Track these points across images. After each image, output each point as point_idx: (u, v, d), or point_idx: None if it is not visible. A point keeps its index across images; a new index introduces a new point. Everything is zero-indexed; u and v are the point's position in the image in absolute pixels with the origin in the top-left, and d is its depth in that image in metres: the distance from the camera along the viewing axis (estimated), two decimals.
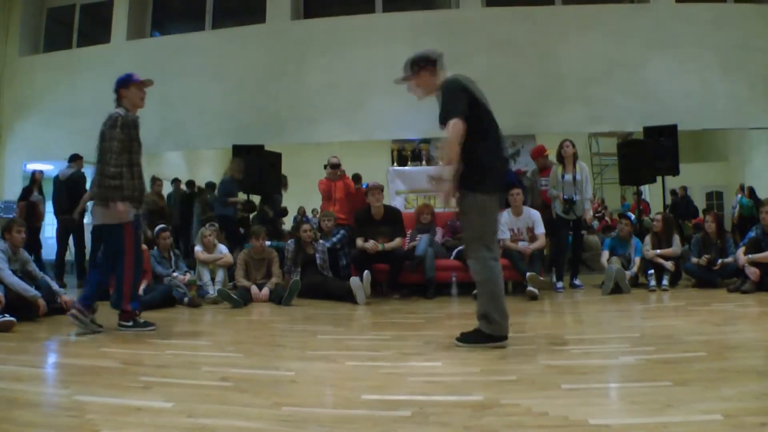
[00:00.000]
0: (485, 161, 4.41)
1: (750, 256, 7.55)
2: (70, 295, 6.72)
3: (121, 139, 5.28)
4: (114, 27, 13.56)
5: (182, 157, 17.71)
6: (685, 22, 11.94)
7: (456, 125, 4.25)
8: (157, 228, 8.22)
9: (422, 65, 4.75)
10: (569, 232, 8.56)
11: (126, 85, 5.47)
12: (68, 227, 9.99)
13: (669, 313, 6.21)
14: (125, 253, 5.38)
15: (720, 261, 8.10)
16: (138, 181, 5.42)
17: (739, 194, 15.91)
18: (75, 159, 10.11)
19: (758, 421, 2.54)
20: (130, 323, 5.42)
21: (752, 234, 7.90)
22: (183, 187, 13.60)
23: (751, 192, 15.59)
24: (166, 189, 13.52)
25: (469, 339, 4.46)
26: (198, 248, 8.18)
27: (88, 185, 9.70)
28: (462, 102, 4.41)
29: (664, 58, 11.72)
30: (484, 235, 4.44)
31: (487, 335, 4.39)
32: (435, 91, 4.69)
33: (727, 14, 12.33)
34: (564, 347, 4.41)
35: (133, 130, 5.37)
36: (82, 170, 10.14)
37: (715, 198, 19.39)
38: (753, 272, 7.37)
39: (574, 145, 8.51)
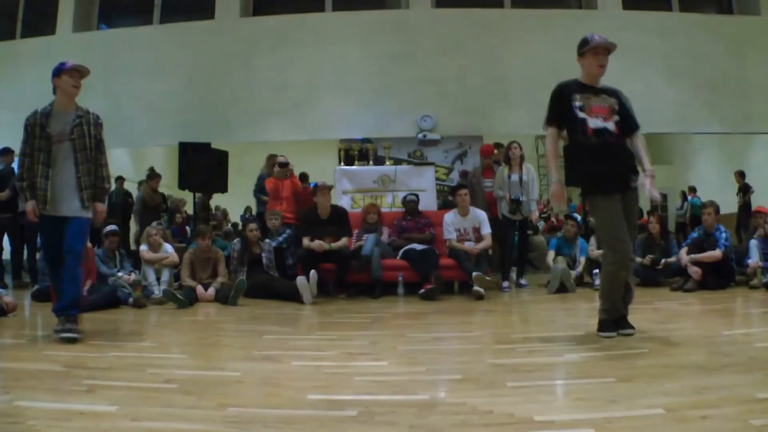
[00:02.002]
0: None
1: (692, 256, 7.82)
2: (11, 296, 6.58)
3: (24, 140, 5.04)
4: (60, 18, 13.14)
5: (128, 154, 17.42)
6: (631, 29, 12.17)
7: None
8: (107, 230, 8.07)
9: None
10: (515, 232, 8.69)
11: (58, 74, 5.12)
12: (2, 225, 9.72)
13: None
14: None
15: (663, 261, 8.36)
16: (41, 180, 4.99)
17: (690, 195, 16.34)
18: (5, 153, 9.81)
19: (699, 414, 2.62)
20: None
21: (695, 235, 8.19)
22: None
23: (694, 192, 16.05)
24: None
25: None
26: (143, 247, 8.08)
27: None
28: None
29: (611, 63, 11.87)
30: None
31: None
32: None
33: (673, 22, 12.61)
34: (510, 346, 4.48)
35: (31, 128, 5.04)
36: (12, 165, 9.77)
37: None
38: (695, 272, 7.66)
39: (521, 147, 8.65)
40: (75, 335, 4.74)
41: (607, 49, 4.72)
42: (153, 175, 10.89)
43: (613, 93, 4.78)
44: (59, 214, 5.02)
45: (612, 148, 4.59)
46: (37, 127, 4.99)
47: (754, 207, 11.69)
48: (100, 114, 5.30)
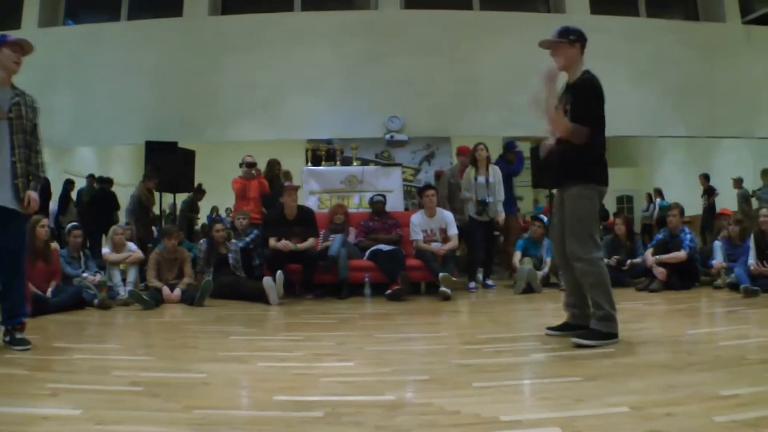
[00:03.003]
0: (602, 154, 4.54)
1: (658, 257, 7.96)
2: None
3: None
4: (25, 12, 12.88)
5: (94, 152, 17.24)
6: (598, 34, 12.18)
7: (586, 135, 4.33)
8: (69, 226, 8.02)
9: (578, 39, 4.80)
10: (482, 233, 8.74)
11: None
12: None
13: None
14: None
15: (629, 261, 8.51)
16: None
17: (657, 198, 16.57)
18: None
19: (663, 411, 2.67)
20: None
21: (660, 236, 8.33)
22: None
23: (660, 195, 16.29)
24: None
25: (591, 337, 4.31)
26: (105, 249, 8.00)
27: None
28: (601, 111, 4.47)
29: None
30: (593, 231, 4.48)
31: (606, 333, 4.32)
32: (571, 70, 4.68)
33: (639, 27, 12.86)
34: (476, 346, 4.50)
35: None
36: None
37: (625, 202, 20.05)
38: (660, 272, 7.79)
39: (487, 149, 8.71)
40: (21, 347, 4.50)
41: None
42: (151, 176, 10.69)
43: (575, 88, 4.61)
44: None
45: (558, 146, 4.61)
46: None
47: (718, 209, 11.90)
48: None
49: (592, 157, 4.45)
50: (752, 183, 14.14)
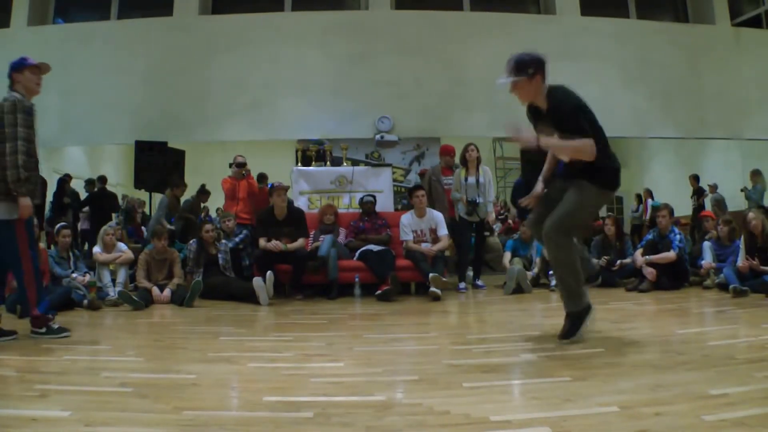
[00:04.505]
0: (615, 163, 4.52)
1: (647, 257, 7.99)
2: None
3: (30, 125, 4.83)
4: (14, 10, 12.85)
5: (83, 152, 17.18)
6: (589, 35, 12.41)
7: (592, 148, 4.11)
8: (58, 226, 8.00)
9: (536, 70, 4.35)
10: (472, 233, 8.75)
11: (20, 68, 4.92)
12: None
13: None
14: (22, 253, 4.90)
15: (619, 262, 8.56)
16: (37, 172, 4.92)
17: (648, 199, 16.67)
18: None
19: (652, 411, 2.67)
20: (43, 330, 4.98)
21: (649, 237, 8.37)
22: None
23: (651, 195, 16.37)
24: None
25: (574, 330, 4.34)
26: (96, 249, 7.97)
27: None
28: (591, 118, 4.30)
29: (568, 68, 12.03)
30: (575, 224, 4.45)
31: (580, 312, 4.35)
32: (538, 99, 4.41)
33: (629, 29, 12.92)
34: (466, 347, 4.51)
35: (29, 117, 4.84)
36: None
37: (615, 202, 20.10)
38: (650, 272, 7.84)
39: (478, 150, 8.71)
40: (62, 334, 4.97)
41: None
42: (179, 184, 10.53)
43: (554, 113, 4.41)
44: None
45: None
46: (32, 118, 4.88)
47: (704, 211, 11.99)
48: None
49: (600, 165, 4.28)
50: (742, 184, 14.20)
